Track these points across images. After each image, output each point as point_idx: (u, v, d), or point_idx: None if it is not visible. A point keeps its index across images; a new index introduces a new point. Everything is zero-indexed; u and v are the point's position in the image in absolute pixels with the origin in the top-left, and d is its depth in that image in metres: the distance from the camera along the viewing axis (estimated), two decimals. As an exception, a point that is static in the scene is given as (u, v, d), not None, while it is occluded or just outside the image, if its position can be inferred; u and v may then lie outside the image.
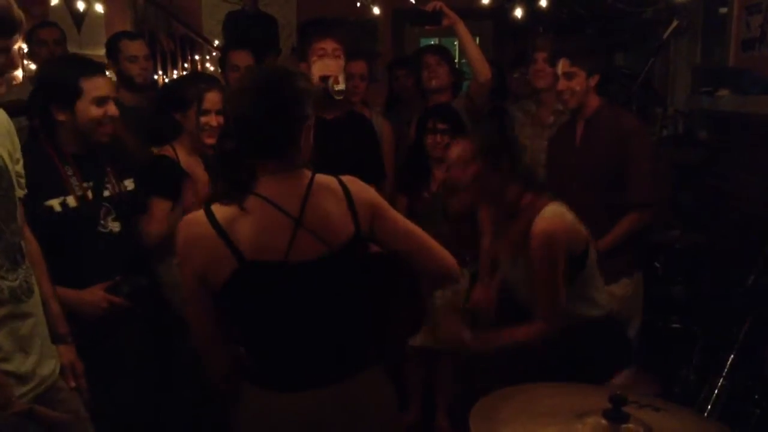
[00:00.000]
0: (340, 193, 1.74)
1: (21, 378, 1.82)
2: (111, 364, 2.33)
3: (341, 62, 2.95)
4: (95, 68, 2.37)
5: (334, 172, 1.81)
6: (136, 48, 3.49)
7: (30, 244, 2.02)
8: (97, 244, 2.35)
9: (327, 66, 2.92)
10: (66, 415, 1.61)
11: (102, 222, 2.36)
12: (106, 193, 2.39)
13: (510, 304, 2.39)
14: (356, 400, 1.73)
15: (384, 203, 1.82)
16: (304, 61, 3.00)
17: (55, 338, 2.02)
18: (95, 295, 2.31)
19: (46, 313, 1.98)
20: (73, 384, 2.03)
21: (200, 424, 2.63)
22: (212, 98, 2.69)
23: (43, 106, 2.28)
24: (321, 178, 1.75)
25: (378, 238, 1.78)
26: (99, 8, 4.26)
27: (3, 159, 1.84)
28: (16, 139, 1.96)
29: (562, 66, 3.04)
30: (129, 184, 2.52)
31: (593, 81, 3.04)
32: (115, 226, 2.39)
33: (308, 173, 1.74)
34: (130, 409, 2.39)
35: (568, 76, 3.02)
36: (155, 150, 2.81)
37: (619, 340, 2.45)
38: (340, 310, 1.74)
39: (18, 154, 1.96)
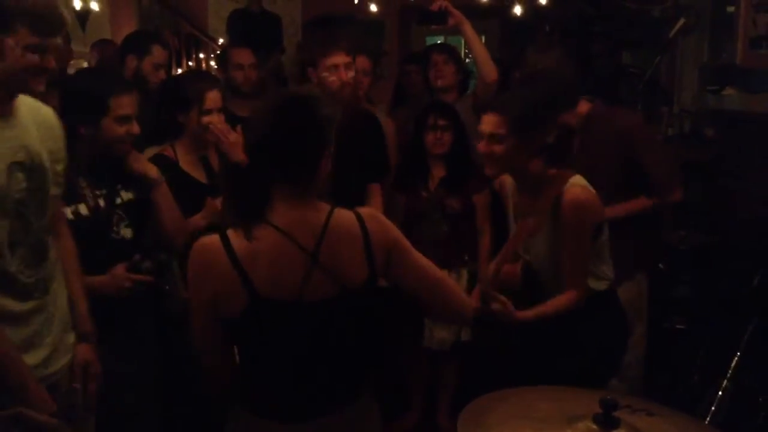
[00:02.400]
0: (358, 232, 1.68)
1: None
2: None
3: (352, 73, 2.95)
4: (124, 86, 2.39)
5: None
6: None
7: (66, 241, 2.06)
8: (110, 251, 2.35)
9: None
10: (54, 421, 1.60)
11: (115, 229, 2.37)
12: (118, 201, 2.40)
13: (529, 288, 2.38)
14: (352, 427, 1.73)
15: (403, 242, 1.76)
16: (311, 66, 2.97)
17: (79, 336, 2.05)
18: (117, 275, 2.31)
19: (74, 311, 2.01)
20: (77, 385, 2.03)
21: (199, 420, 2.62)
22: (213, 97, 2.68)
23: (67, 117, 2.28)
24: (339, 213, 1.70)
25: (393, 277, 1.74)
26: (104, 7, 4.27)
27: (41, 156, 1.87)
28: (62, 139, 1.99)
29: None
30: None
31: (582, 107, 2.97)
32: (127, 233, 2.40)
33: (326, 207, 1.70)
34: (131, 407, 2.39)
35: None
36: (154, 150, 2.79)
37: (619, 314, 2.46)
38: (346, 347, 1.72)
39: (62, 154, 1.98)
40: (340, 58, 2.91)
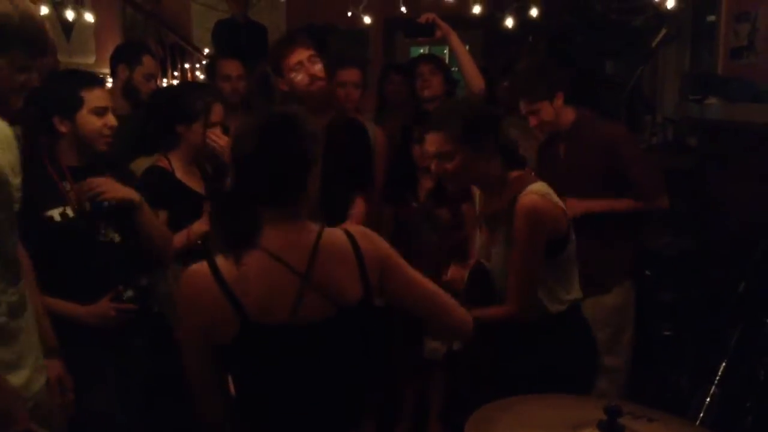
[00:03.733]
0: (350, 251, 1.66)
1: None
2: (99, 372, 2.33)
3: (319, 66, 2.90)
4: (94, 80, 2.40)
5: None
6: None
7: (23, 258, 2.00)
8: (97, 254, 2.34)
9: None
10: None
11: (102, 232, 2.36)
12: (105, 204, 2.37)
13: (483, 292, 2.30)
14: None
15: (396, 258, 1.73)
16: (280, 77, 2.94)
17: (47, 352, 2.01)
18: (101, 307, 2.30)
19: (39, 327, 1.97)
20: (58, 400, 2.02)
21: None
22: (218, 111, 2.71)
23: (43, 118, 2.28)
24: (329, 233, 1.67)
25: (388, 294, 1.71)
26: (89, 17, 4.24)
27: (4, 171, 1.83)
28: (17, 153, 1.95)
29: (524, 107, 3.05)
30: None
31: (558, 101, 3.01)
32: (115, 237, 2.39)
33: (315, 227, 1.67)
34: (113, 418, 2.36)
35: (534, 113, 3.03)
36: (146, 160, 2.79)
37: (582, 333, 2.37)
38: (342, 371, 1.69)
39: (18, 168, 1.94)
40: (302, 54, 2.88)
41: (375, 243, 1.71)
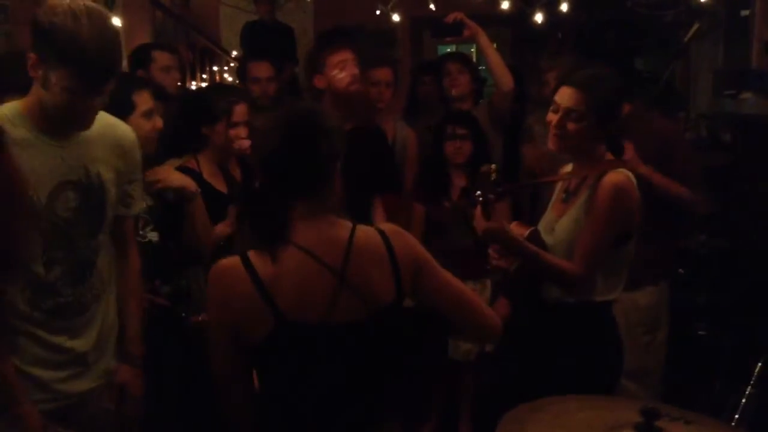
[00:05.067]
0: (383, 250, 1.64)
1: (41, 386, 1.83)
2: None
3: (356, 71, 2.96)
4: (141, 82, 2.41)
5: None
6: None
7: (132, 261, 2.07)
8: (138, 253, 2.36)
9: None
10: None
11: (141, 232, 2.38)
12: (170, 195, 2.42)
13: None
14: None
15: (429, 258, 1.71)
16: (318, 73, 2.99)
17: (124, 357, 2.04)
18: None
19: (125, 333, 2.01)
20: (111, 406, 2.02)
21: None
22: (241, 111, 2.70)
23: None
24: (363, 231, 1.66)
25: (420, 295, 1.70)
26: (117, 21, 4.27)
27: (101, 176, 1.86)
28: (137, 159, 1.99)
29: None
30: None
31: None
32: (153, 236, 2.41)
33: (348, 224, 1.66)
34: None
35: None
36: (176, 162, 2.81)
37: (611, 329, 2.31)
38: (372, 372, 1.68)
39: (135, 176, 1.98)
40: (346, 55, 2.93)
41: (408, 242, 1.70)
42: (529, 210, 3.51)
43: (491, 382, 3.34)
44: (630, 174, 2.16)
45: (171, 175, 2.38)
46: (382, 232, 1.67)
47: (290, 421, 1.66)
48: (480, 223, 2.12)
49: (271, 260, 1.57)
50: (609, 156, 2.21)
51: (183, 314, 2.47)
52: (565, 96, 2.15)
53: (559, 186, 2.40)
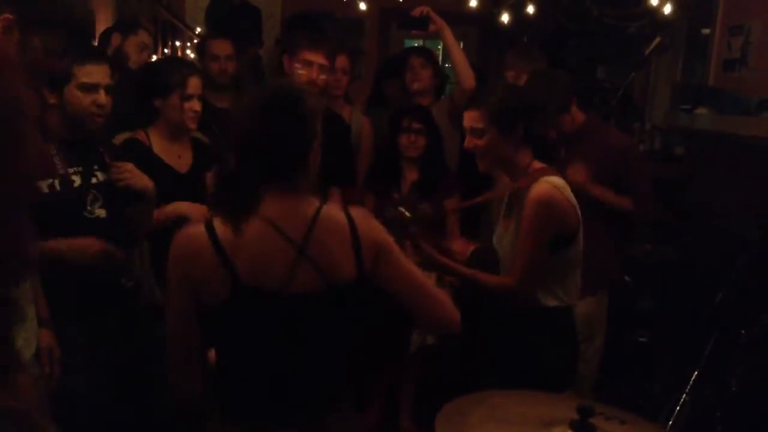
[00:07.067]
0: (347, 230, 1.66)
1: None
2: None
3: (323, 77, 2.98)
4: (93, 56, 2.33)
5: None
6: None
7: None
8: (83, 229, 2.30)
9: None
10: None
11: (89, 208, 2.33)
12: (94, 180, 2.36)
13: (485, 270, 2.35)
14: None
15: (391, 245, 1.73)
16: (289, 56, 2.98)
17: (39, 322, 2.02)
18: (88, 239, 2.24)
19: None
20: (47, 369, 2.01)
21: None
22: (195, 83, 2.67)
23: (35, 88, 2.23)
24: (329, 209, 1.68)
25: (380, 279, 1.71)
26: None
27: None
28: None
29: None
30: None
31: (573, 107, 3.01)
32: (101, 213, 2.36)
33: (316, 201, 1.68)
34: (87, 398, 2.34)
35: (554, 127, 2.99)
36: (126, 135, 2.75)
37: (569, 334, 2.37)
38: (328, 347, 1.69)
39: None
40: (318, 58, 2.93)
41: (372, 226, 1.72)
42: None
43: (435, 373, 3.35)
44: (557, 181, 2.21)
45: (136, 176, 2.35)
46: (348, 214, 1.70)
47: (245, 390, 1.67)
48: (414, 258, 2.17)
49: (233, 228, 1.58)
50: (537, 164, 2.26)
51: (131, 283, 2.45)
52: (467, 119, 2.28)
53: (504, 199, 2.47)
